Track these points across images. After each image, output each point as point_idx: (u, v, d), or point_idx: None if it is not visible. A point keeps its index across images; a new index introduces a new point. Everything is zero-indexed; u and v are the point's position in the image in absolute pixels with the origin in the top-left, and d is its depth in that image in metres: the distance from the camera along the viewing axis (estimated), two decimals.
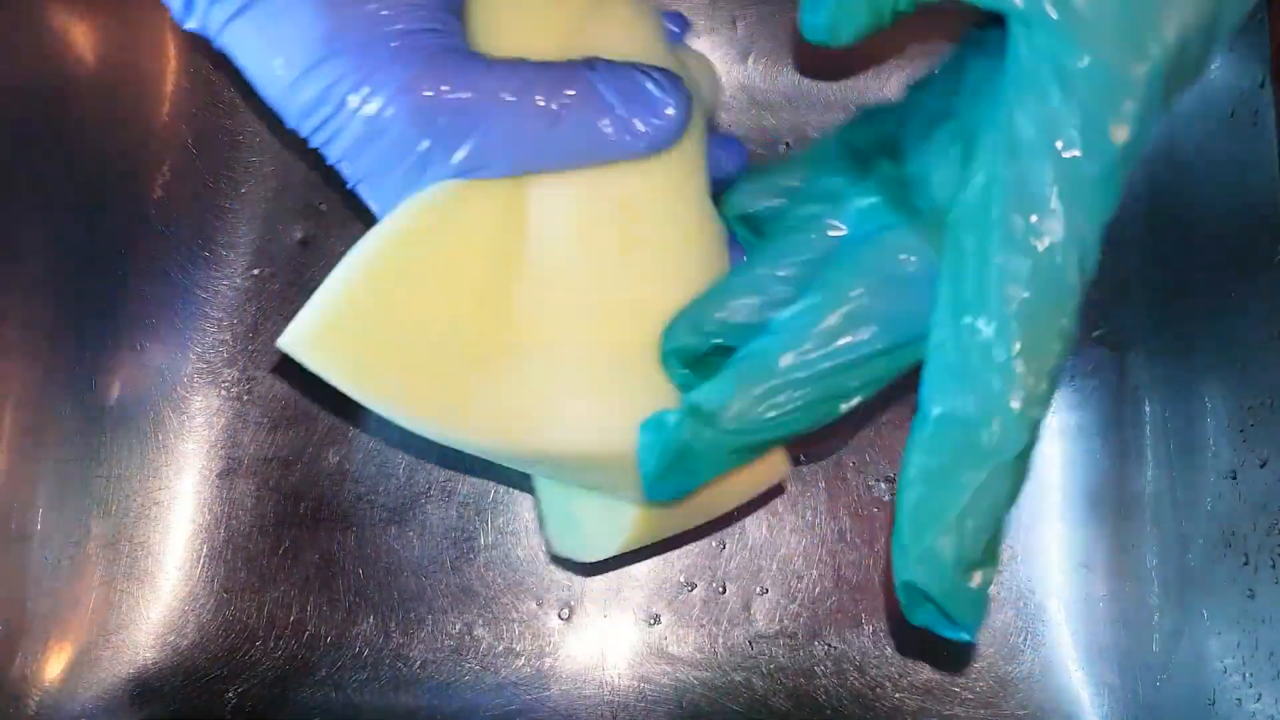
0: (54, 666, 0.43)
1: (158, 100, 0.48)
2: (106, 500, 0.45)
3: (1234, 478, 0.39)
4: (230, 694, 0.44)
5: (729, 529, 0.46)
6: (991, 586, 0.46)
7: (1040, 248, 0.23)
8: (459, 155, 0.27)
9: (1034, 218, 0.23)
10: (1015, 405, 0.23)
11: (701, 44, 0.49)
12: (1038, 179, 0.23)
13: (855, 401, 0.28)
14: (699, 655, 0.45)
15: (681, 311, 0.31)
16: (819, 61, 0.49)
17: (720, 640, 0.45)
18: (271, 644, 0.45)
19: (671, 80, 0.29)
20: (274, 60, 0.26)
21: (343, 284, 0.27)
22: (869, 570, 0.46)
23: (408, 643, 0.45)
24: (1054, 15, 0.23)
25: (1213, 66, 0.42)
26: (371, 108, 0.26)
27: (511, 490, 0.46)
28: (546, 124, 0.27)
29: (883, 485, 0.47)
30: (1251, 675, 0.37)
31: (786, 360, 0.27)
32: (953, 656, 0.45)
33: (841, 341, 0.27)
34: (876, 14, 0.28)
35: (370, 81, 0.26)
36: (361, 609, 0.45)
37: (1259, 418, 0.38)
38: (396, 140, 0.27)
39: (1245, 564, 0.38)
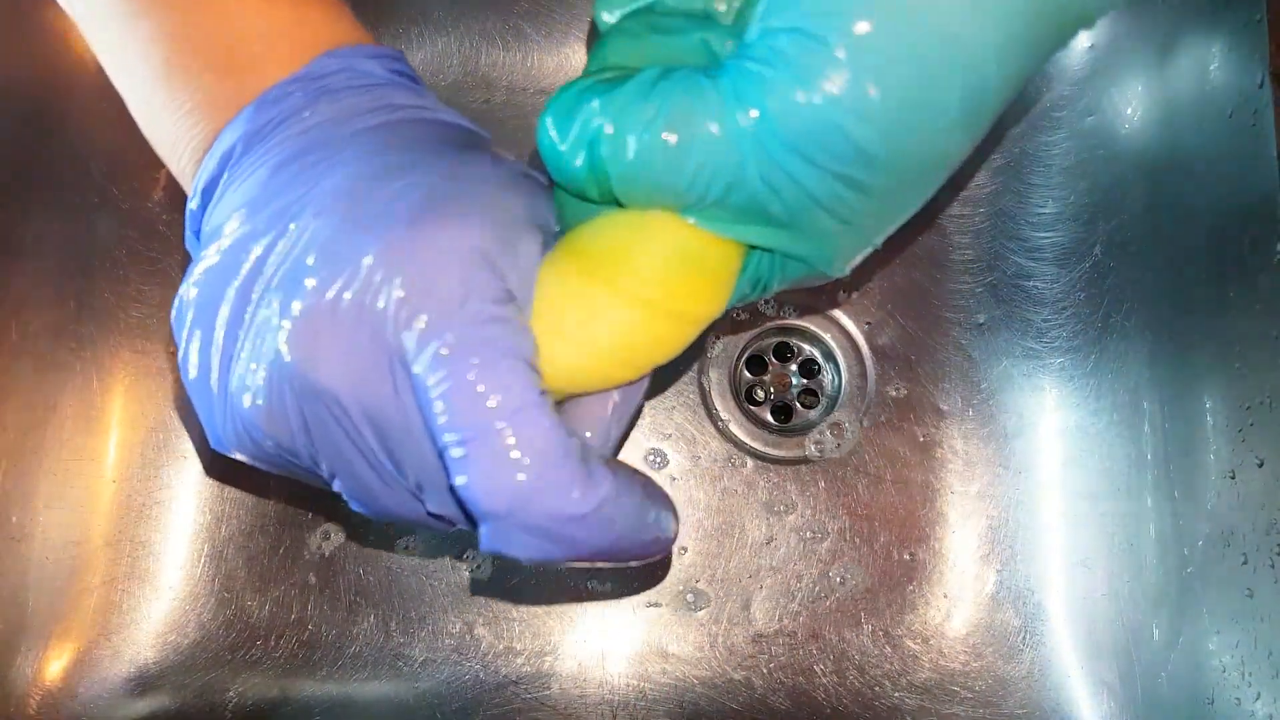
0: (55, 666, 0.44)
1: None
2: (106, 500, 0.45)
3: (1233, 477, 0.39)
4: (231, 692, 0.44)
5: (728, 529, 0.46)
6: (990, 586, 0.46)
7: None
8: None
9: None
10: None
11: None
12: None
13: None
14: (699, 655, 0.45)
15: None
16: None
17: (720, 640, 0.45)
18: (272, 643, 0.45)
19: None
20: None
21: None
22: (869, 570, 0.46)
23: (408, 642, 0.45)
24: None
25: (1212, 66, 0.42)
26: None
27: None
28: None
29: (883, 486, 0.47)
30: (1250, 674, 0.37)
31: None
32: (951, 653, 0.45)
33: None
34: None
35: None
36: (362, 608, 0.45)
37: (1258, 418, 0.38)
38: None
39: (1244, 563, 0.38)
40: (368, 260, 0.24)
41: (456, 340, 0.24)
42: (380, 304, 0.24)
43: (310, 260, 0.25)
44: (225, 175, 0.28)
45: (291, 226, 0.25)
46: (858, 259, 0.28)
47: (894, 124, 0.23)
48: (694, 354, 0.48)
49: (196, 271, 0.26)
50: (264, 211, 0.26)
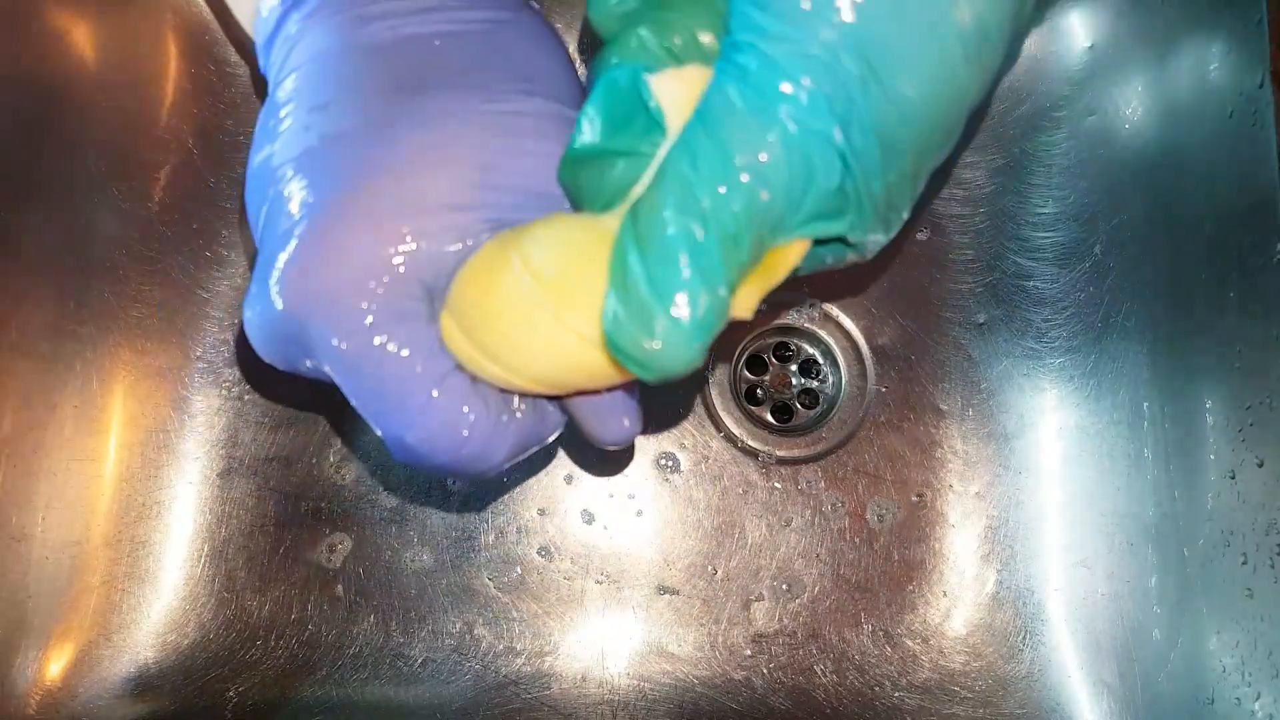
0: (55, 666, 0.44)
1: (158, 100, 0.48)
2: (106, 500, 0.45)
3: (1232, 477, 0.39)
4: (231, 692, 0.44)
5: (728, 529, 0.46)
6: (990, 586, 0.46)
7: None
8: None
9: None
10: None
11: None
12: None
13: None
14: (699, 655, 0.45)
15: None
16: None
17: (720, 640, 0.45)
18: (272, 643, 0.45)
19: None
20: None
21: None
22: (869, 570, 0.46)
23: (408, 642, 0.45)
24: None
25: (1212, 66, 0.42)
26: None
27: (512, 490, 0.46)
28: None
29: (883, 486, 0.47)
30: (1250, 674, 0.37)
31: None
32: (950, 652, 0.45)
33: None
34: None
35: None
36: (362, 608, 0.45)
37: (1257, 417, 0.38)
38: None
39: (1244, 563, 0.38)
40: (292, 248, 0.26)
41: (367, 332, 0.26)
42: (307, 287, 0.26)
43: (280, 226, 0.27)
44: (277, 40, 0.30)
45: (283, 170, 0.28)
46: (893, 232, 0.27)
47: (894, 63, 0.22)
48: None
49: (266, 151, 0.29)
50: (276, 124, 0.29)
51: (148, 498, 0.46)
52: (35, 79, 0.44)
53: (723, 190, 0.22)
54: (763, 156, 0.22)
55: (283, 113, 0.28)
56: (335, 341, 0.26)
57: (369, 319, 0.26)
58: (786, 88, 0.22)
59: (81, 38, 0.46)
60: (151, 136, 0.47)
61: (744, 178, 0.22)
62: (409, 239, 0.27)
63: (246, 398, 0.47)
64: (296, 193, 0.27)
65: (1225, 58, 0.41)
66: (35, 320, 0.44)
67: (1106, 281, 0.47)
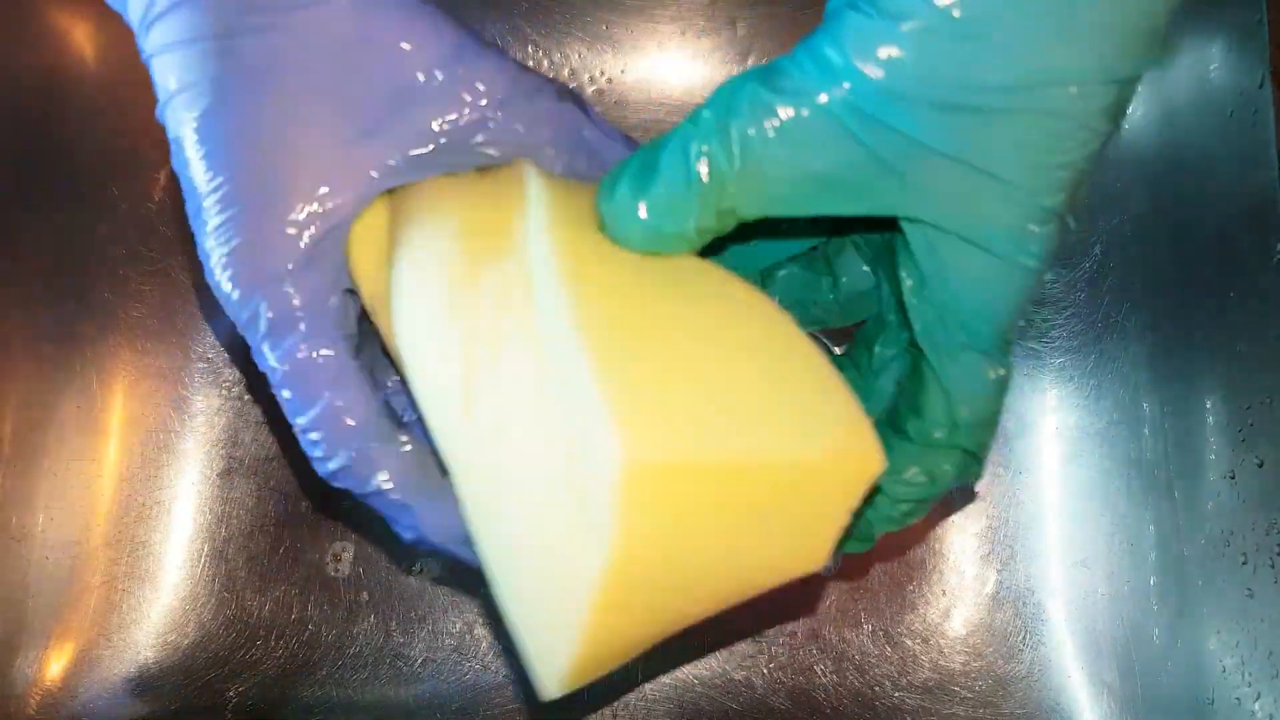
0: (55, 666, 0.44)
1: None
2: (106, 500, 0.45)
3: (1232, 478, 0.39)
4: (231, 693, 0.44)
5: None
6: (990, 586, 0.46)
7: None
8: None
9: None
10: None
11: (702, 44, 0.49)
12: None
13: None
14: (699, 655, 0.45)
15: None
16: None
17: (720, 640, 0.45)
18: (272, 643, 0.45)
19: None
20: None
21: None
22: (869, 570, 0.46)
23: (408, 642, 0.45)
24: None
25: (1212, 66, 0.42)
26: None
27: None
28: None
29: None
30: (1250, 674, 0.37)
31: None
32: (951, 653, 0.46)
33: None
34: (706, 218, 0.25)
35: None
36: (362, 608, 0.45)
37: (1257, 418, 0.38)
38: None
39: (1244, 564, 0.38)
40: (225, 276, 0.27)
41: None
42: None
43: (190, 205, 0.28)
44: None
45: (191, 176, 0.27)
46: (1050, 221, 0.25)
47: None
48: None
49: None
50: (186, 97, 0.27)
51: (148, 498, 0.46)
52: (35, 79, 0.44)
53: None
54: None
55: (156, 61, 0.27)
56: (251, 329, 0.29)
57: (269, 305, 0.28)
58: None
59: (81, 38, 0.46)
60: (151, 136, 0.47)
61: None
62: (303, 216, 0.27)
63: (246, 398, 0.47)
64: (198, 176, 0.27)
65: (1225, 58, 0.41)
66: (35, 320, 0.44)
67: (1106, 281, 0.47)
